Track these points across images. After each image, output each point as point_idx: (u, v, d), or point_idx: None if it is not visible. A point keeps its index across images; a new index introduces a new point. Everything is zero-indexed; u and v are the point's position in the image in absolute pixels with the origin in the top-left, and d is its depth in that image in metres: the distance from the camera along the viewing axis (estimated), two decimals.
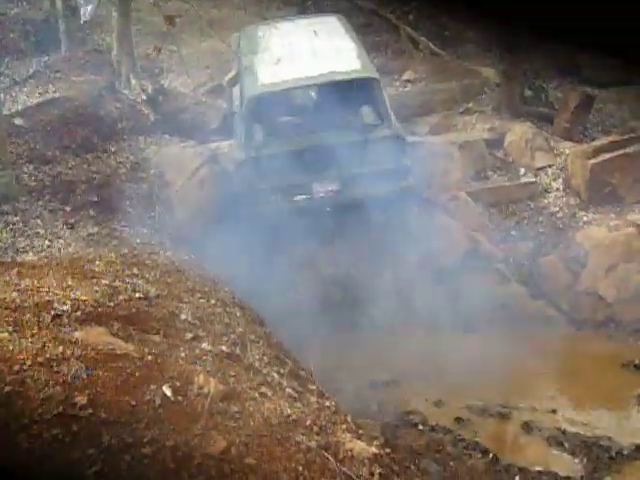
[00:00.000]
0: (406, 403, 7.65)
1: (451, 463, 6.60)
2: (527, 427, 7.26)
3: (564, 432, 7.08)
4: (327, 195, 8.95)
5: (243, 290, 7.36)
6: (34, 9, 13.40)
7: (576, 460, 6.73)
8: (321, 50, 9.50)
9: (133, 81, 11.18)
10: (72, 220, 7.97)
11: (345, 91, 9.11)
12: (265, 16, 14.24)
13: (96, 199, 8.52)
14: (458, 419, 7.35)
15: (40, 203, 8.20)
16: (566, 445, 6.91)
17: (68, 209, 8.22)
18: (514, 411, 7.55)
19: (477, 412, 7.50)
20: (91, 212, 8.26)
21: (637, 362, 8.20)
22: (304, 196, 8.89)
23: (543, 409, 7.57)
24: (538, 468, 6.65)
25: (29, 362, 4.06)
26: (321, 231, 8.70)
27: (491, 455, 6.77)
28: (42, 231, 7.67)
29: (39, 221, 7.85)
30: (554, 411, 7.51)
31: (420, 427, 7.15)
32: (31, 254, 7.00)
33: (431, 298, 9.19)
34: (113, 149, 9.67)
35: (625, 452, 6.71)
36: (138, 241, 7.81)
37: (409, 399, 7.77)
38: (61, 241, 7.44)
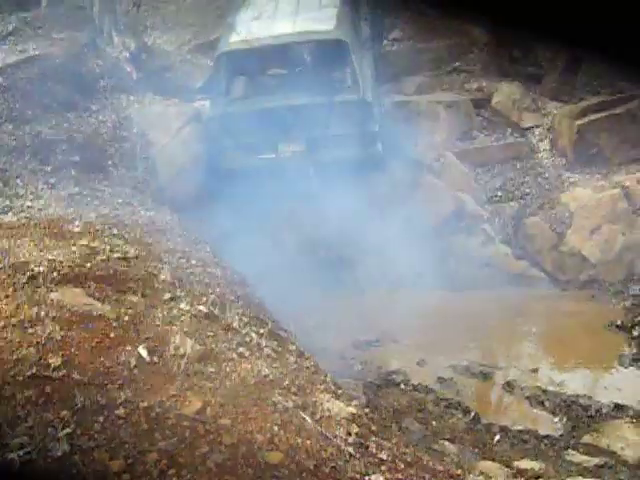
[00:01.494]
0: (389, 362, 7.69)
1: (433, 422, 6.65)
2: (509, 386, 7.31)
3: (545, 391, 7.13)
4: (292, 155, 8.91)
5: (223, 248, 7.35)
6: None
7: (556, 419, 6.78)
8: (303, 7, 9.38)
9: (116, 38, 10.95)
10: (53, 180, 7.86)
11: (314, 52, 9.09)
12: None
13: (77, 159, 8.38)
14: (440, 378, 7.39)
15: (20, 163, 8.06)
16: (547, 404, 6.97)
17: (49, 169, 8.09)
18: (496, 370, 7.61)
19: (459, 371, 7.54)
20: (72, 172, 8.14)
21: (619, 322, 8.26)
22: (269, 155, 8.86)
23: (525, 369, 7.63)
24: (519, 427, 6.71)
25: (2, 323, 4.03)
26: (288, 190, 8.67)
27: (472, 414, 6.82)
28: (22, 191, 7.55)
29: (19, 181, 7.73)
30: (536, 370, 7.56)
31: (402, 386, 7.18)
32: (10, 214, 6.90)
33: (415, 258, 9.20)
34: (95, 108, 9.48)
35: (604, 411, 6.77)
36: (120, 201, 7.71)
37: (392, 359, 7.80)
38: (41, 201, 7.32)
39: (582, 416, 6.76)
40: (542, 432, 6.60)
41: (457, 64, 11.80)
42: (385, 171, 9.38)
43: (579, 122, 9.90)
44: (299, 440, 3.74)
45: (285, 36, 8.94)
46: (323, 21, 9.06)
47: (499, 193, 9.87)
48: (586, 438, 6.49)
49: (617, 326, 8.21)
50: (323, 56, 9.07)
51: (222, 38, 9.45)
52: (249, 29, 9.09)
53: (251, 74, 9.40)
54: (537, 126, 10.57)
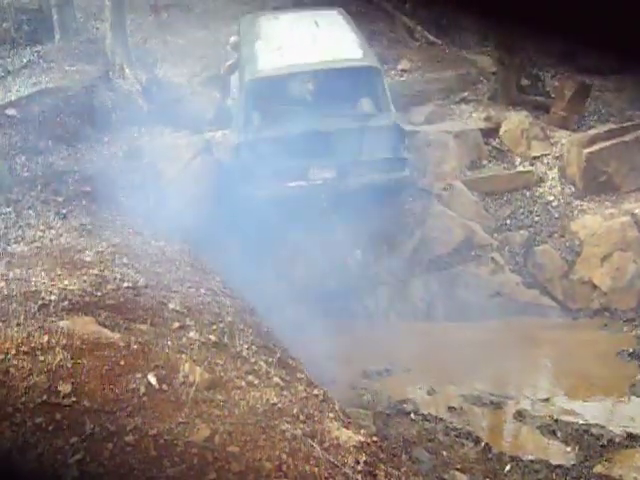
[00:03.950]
0: (399, 392, 7.64)
1: (443, 452, 6.60)
2: (520, 416, 7.26)
3: (557, 421, 7.08)
4: (323, 182, 8.87)
5: (235, 279, 7.35)
6: None
7: (568, 448, 6.72)
8: (322, 39, 9.47)
9: (127, 71, 11.13)
10: (64, 210, 7.91)
11: (345, 79, 9.09)
12: (260, 7, 14.17)
13: (89, 189, 8.46)
14: (451, 408, 7.35)
15: (32, 194, 8.14)
16: (558, 434, 6.91)
17: (60, 199, 8.16)
18: (507, 400, 7.56)
19: (470, 401, 7.50)
20: (84, 202, 8.20)
21: (631, 351, 8.21)
22: (300, 182, 8.82)
23: (536, 398, 7.58)
24: (530, 457, 6.65)
25: (14, 351, 4.05)
26: (316, 217, 8.66)
27: (483, 444, 6.77)
28: (34, 222, 7.61)
29: (31, 212, 7.79)
30: (547, 400, 7.51)
31: (412, 416, 7.14)
32: (23, 244, 6.95)
33: (426, 287, 9.20)
34: (106, 139, 9.60)
35: (617, 440, 6.71)
36: (130, 231, 7.75)
37: (402, 388, 7.76)
38: (53, 231, 7.37)
39: (594, 445, 6.70)
40: (554, 462, 6.54)
41: (465, 94, 11.89)
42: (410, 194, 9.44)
43: (588, 150, 9.91)
44: (307, 468, 3.74)
45: (317, 64, 9.00)
46: (349, 50, 9.16)
47: (508, 222, 9.87)
48: (598, 468, 6.43)
49: (629, 354, 8.17)
50: (355, 83, 9.13)
51: (245, 68, 9.35)
52: (274, 58, 9.13)
53: (281, 101, 9.34)
54: (546, 155, 10.59)
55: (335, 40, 9.46)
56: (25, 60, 11.38)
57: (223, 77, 11.13)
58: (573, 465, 6.48)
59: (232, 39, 10.98)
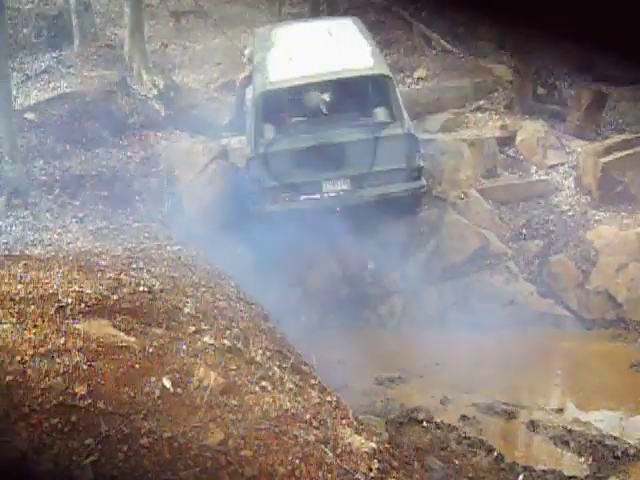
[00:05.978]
0: (411, 400, 7.62)
1: (455, 460, 6.56)
2: (533, 426, 7.21)
3: (570, 431, 7.02)
4: (337, 194, 8.81)
5: (249, 285, 7.39)
6: (47, 4, 13.51)
7: (581, 459, 6.67)
8: (334, 48, 9.39)
9: (145, 76, 11.24)
10: (81, 214, 8.02)
11: (357, 89, 9.05)
12: (278, 13, 14.26)
13: (105, 193, 8.56)
14: (463, 417, 7.30)
15: (50, 197, 8.26)
16: (571, 444, 6.85)
17: (77, 203, 8.27)
18: (520, 409, 7.51)
19: (483, 410, 7.46)
20: (100, 206, 8.31)
21: None
22: (314, 195, 8.76)
23: (550, 408, 7.54)
24: (543, 467, 6.60)
25: (30, 353, 4.09)
26: (330, 230, 8.64)
27: (496, 453, 6.71)
28: (51, 225, 7.71)
29: (48, 215, 7.90)
30: (560, 410, 7.47)
31: (425, 424, 7.10)
32: (40, 247, 7.03)
33: (440, 295, 9.20)
34: (123, 144, 9.70)
35: (631, 452, 6.64)
36: (146, 235, 7.83)
37: (415, 396, 7.74)
38: (70, 235, 7.47)
39: (608, 457, 6.63)
40: (567, 472, 6.47)
41: (481, 102, 11.92)
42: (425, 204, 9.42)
43: (604, 160, 9.87)
44: (320, 473, 3.75)
45: (328, 74, 8.85)
46: (359, 59, 9.05)
47: (523, 231, 9.85)
48: None
49: None
50: (366, 92, 9.07)
51: (256, 80, 9.25)
52: (285, 69, 8.99)
53: (292, 113, 9.29)
54: (561, 164, 10.59)
55: (347, 49, 9.36)
56: (44, 65, 11.50)
57: (238, 91, 10.99)
58: (586, 476, 6.42)
59: (247, 51, 10.96)
